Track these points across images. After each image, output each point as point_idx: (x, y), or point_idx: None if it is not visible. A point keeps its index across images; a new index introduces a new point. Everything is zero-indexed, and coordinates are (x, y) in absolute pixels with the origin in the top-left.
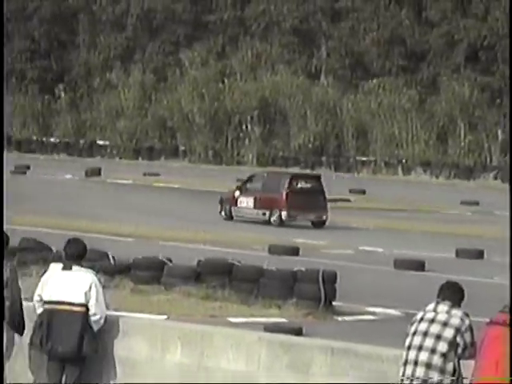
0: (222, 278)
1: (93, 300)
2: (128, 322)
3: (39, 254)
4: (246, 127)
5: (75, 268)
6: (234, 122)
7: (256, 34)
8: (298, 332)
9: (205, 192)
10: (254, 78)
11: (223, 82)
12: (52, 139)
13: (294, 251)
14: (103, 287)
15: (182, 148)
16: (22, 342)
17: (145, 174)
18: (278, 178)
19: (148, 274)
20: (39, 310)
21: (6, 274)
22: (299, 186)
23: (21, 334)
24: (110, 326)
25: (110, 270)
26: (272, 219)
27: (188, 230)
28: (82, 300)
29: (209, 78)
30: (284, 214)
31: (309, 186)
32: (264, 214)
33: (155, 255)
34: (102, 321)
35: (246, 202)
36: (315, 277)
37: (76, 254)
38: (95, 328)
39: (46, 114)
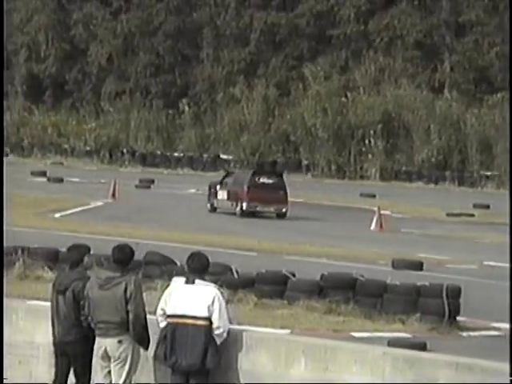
0: (346, 292)
1: (216, 314)
2: (252, 336)
3: (164, 268)
4: (369, 141)
5: (198, 282)
6: (357, 136)
7: (379, 48)
8: (423, 347)
9: (327, 207)
10: (378, 92)
11: (346, 96)
12: (176, 154)
13: (418, 266)
14: (227, 301)
15: (304, 162)
16: (147, 355)
17: None
18: (245, 174)
19: (271, 288)
20: (162, 324)
21: (130, 287)
22: (261, 181)
23: (145, 347)
24: (234, 340)
25: (234, 284)
26: (237, 210)
27: (312, 244)
28: (206, 314)
29: (332, 92)
30: (245, 205)
31: (270, 181)
32: (232, 205)
33: (279, 269)
34: (225, 334)
35: (222, 195)
36: (439, 291)
37: (199, 267)
38: (218, 341)
39: (170, 129)
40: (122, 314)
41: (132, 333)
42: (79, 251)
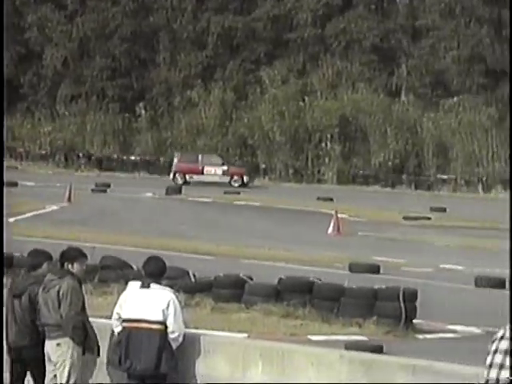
0: (303, 296)
1: (171, 318)
2: (209, 341)
3: (120, 272)
4: (326, 145)
5: (153, 286)
6: (315, 140)
7: (336, 52)
8: (379, 350)
9: (284, 210)
10: (335, 96)
11: (303, 99)
12: (132, 157)
13: (375, 269)
14: (184, 305)
15: (262, 166)
16: (102, 360)
17: (225, 193)
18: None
19: (229, 292)
20: (118, 329)
21: (63, 289)
22: None
23: (85, 351)
24: (191, 345)
25: (191, 288)
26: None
27: (268, 248)
28: (160, 318)
29: (289, 96)
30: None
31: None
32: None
33: (236, 273)
34: (181, 338)
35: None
36: (396, 295)
37: (155, 271)
38: (174, 346)
39: (127, 133)
40: (58, 316)
41: (67, 335)
42: (38, 256)
